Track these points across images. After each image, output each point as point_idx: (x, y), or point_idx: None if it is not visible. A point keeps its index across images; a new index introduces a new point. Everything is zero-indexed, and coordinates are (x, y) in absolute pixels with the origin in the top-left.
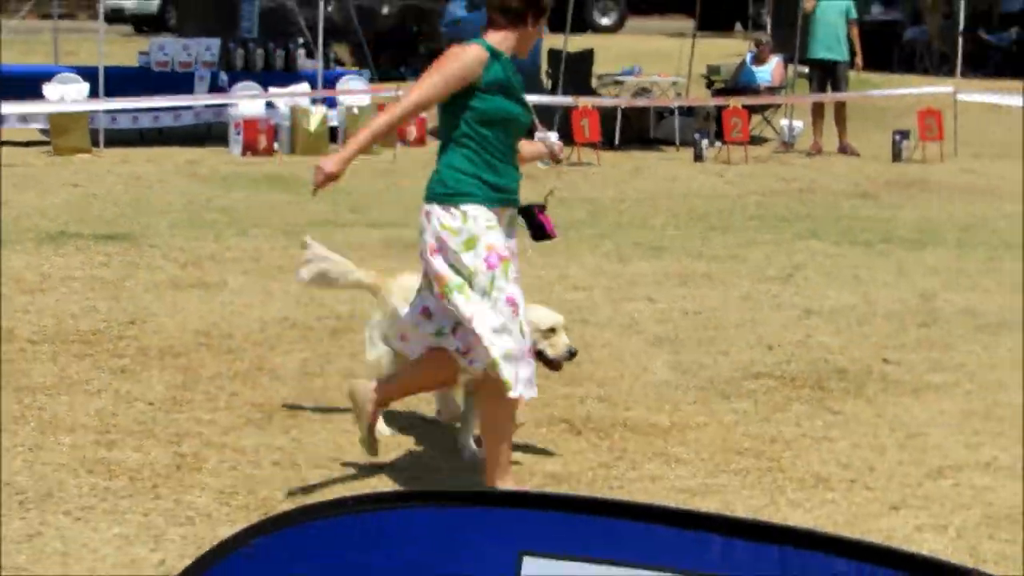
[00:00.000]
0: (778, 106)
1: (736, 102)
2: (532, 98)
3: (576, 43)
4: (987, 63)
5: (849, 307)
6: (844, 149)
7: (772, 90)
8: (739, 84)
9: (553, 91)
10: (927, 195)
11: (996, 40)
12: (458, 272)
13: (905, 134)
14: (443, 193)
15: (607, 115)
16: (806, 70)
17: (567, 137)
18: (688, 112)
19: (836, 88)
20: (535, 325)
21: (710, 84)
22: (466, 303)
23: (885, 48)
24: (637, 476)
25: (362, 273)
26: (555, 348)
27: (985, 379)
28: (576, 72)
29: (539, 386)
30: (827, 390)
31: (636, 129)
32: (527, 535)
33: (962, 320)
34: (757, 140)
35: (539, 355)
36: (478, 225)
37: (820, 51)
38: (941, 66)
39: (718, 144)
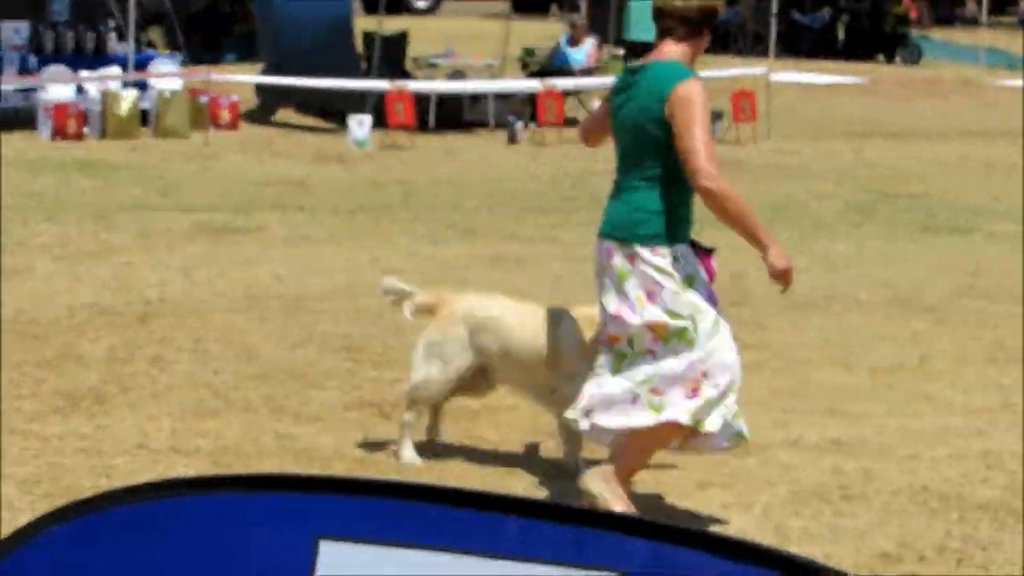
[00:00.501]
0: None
1: (550, 84)
2: (345, 82)
3: (391, 25)
4: (800, 44)
5: None
6: None
7: (587, 72)
8: (554, 66)
9: (368, 74)
10: (740, 175)
11: (809, 21)
12: (678, 315)
13: (719, 115)
14: (649, 235)
15: (422, 98)
16: (621, 51)
17: (381, 121)
18: (503, 95)
19: None
20: None
21: (525, 66)
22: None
23: None
24: (445, 459)
25: (424, 295)
26: None
27: (793, 357)
28: (391, 55)
29: (348, 370)
30: None
31: (450, 112)
32: (324, 519)
33: (772, 299)
34: (571, 122)
35: None
36: (690, 263)
37: (635, 32)
38: (755, 47)
39: (532, 126)
